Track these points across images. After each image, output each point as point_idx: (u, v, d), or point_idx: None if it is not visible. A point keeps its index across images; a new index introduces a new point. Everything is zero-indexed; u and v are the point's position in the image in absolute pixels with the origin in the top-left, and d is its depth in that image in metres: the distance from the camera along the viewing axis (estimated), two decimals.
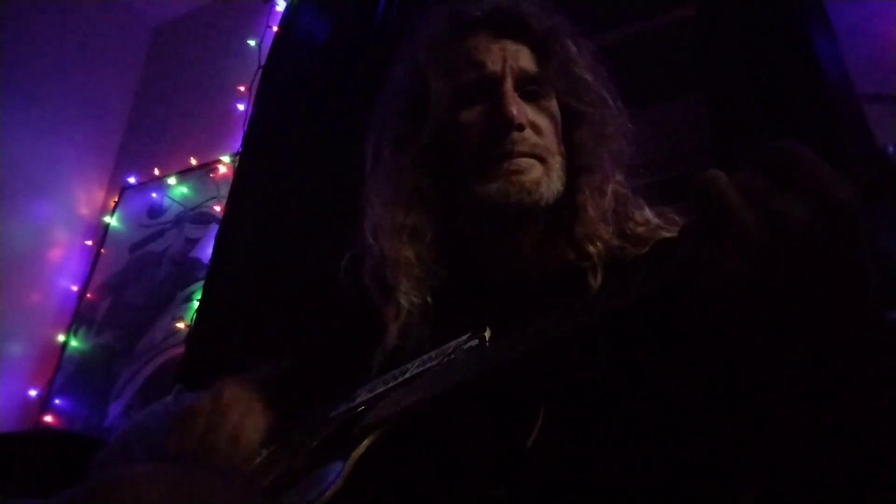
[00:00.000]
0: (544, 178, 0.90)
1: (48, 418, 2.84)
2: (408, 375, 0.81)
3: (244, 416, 0.92)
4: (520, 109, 0.90)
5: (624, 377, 0.74)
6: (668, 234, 0.90)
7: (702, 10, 1.90)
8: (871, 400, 0.49)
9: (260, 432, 0.92)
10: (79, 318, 3.08)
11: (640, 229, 0.93)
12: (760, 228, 0.45)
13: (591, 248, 0.89)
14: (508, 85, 0.92)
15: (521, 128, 0.89)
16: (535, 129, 0.92)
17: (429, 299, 0.92)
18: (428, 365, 0.80)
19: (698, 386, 0.68)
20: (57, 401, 2.88)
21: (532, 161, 0.90)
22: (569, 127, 0.97)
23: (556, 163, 0.93)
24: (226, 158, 2.98)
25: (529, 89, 0.94)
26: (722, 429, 0.65)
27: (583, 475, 0.70)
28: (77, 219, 3.31)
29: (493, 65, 0.93)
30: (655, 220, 0.94)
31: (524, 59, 0.95)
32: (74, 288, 3.17)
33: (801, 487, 0.54)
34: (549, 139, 0.93)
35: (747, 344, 0.51)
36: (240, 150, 2.80)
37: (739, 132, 1.63)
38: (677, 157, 1.75)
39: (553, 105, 0.96)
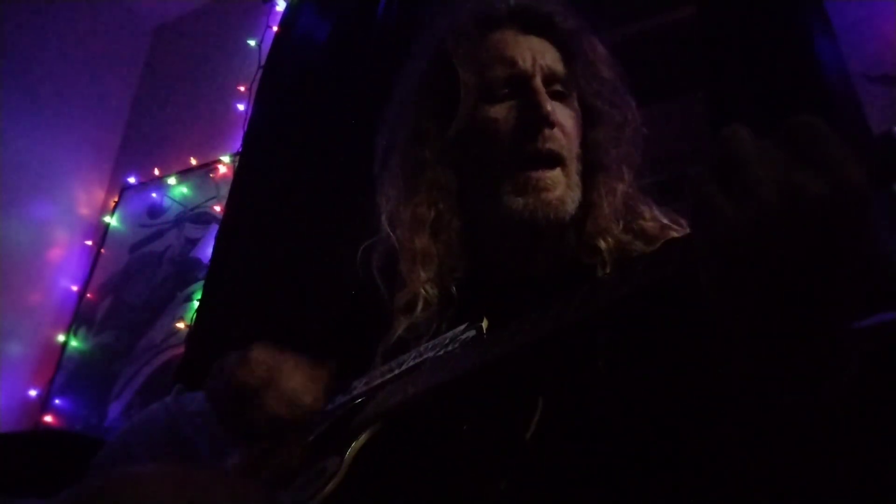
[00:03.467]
0: (568, 192, 0.90)
1: (48, 418, 2.83)
2: (405, 367, 0.80)
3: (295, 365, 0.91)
4: (553, 107, 0.90)
5: (622, 368, 0.74)
6: (676, 234, 0.90)
7: (702, 9, 1.90)
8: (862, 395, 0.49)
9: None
10: (79, 318, 3.08)
11: (649, 225, 0.93)
12: (777, 195, 0.44)
13: (602, 244, 0.89)
14: (538, 82, 0.92)
15: (552, 125, 0.90)
16: (561, 129, 0.92)
17: (453, 290, 0.91)
18: (425, 356, 0.79)
19: (697, 377, 0.69)
20: (57, 401, 2.88)
21: (556, 173, 0.90)
22: (586, 125, 0.97)
23: (574, 167, 0.93)
24: (226, 158, 2.98)
25: (554, 89, 0.94)
26: (720, 420, 0.65)
27: (583, 466, 0.71)
28: (77, 219, 3.31)
29: (524, 62, 0.93)
30: (663, 219, 0.94)
31: (551, 57, 0.95)
32: (74, 288, 3.16)
33: (787, 478, 0.55)
34: (571, 140, 0.93)
35: (743, 332, 0.51)
36: (240, 150, 2.80)
37: None
38: (677, 157, 1.75)
39: (574, 105, 0.96)
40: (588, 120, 0.97)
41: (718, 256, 0.47)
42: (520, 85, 0.92)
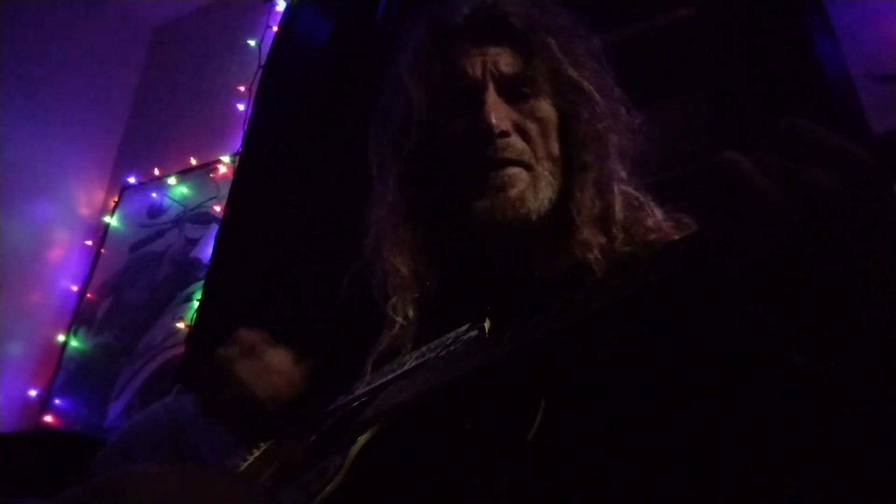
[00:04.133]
0: (529, 189, 0.89)
1: (48, 418, 2.83)
2: (406, 368, 0.80)
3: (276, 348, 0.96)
4: (500, 116, 0.88)
5: (625, 368, 0.74)
6: (679, 235, 0.88)
7: (702, 9, 1.90)
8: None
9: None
10: (79, 318, 3.08)
11: (652, 236, 0.89)
12: (789, 201, 0.44)
13: (589, 255, 0.87)
14: (490, 92, 0.90)
15: (505, 134, 0.88)
16: (522, 133, 0.90)
17: (411, 313, 0.91)
18: (427, 357, 0.79)
19: (699, 377, 0.69)
20: (57, 401, 2.88)
21: (518, 171, 0.89)
22: (565, 124, 0.94)
23: (544, 168, 0.91)
24: (226, 158, 2.98)
25: (517, 92, 0.92)
26: (724, 421, 0.65)
27: (585, 467, 0.70)
28: (77, 219, 3.31)
29: (474, 72, 0.91)
30: (668, 225, 0.91)
31: (506, 61, 0.92)
32: (74, 288, 3.16)
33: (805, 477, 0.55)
34: (537, 143, 0.91)
35: (771, 327, 0.51)
36: (240, 150, 2.81)
37: (739, 132, 1.63)
38: (677, 157, 1.75)
39: (543, 104, 0.93)
40: (565, 118, 0.94)
41: (746, 275, 0.47)
42: (473, 97, 0.91)
